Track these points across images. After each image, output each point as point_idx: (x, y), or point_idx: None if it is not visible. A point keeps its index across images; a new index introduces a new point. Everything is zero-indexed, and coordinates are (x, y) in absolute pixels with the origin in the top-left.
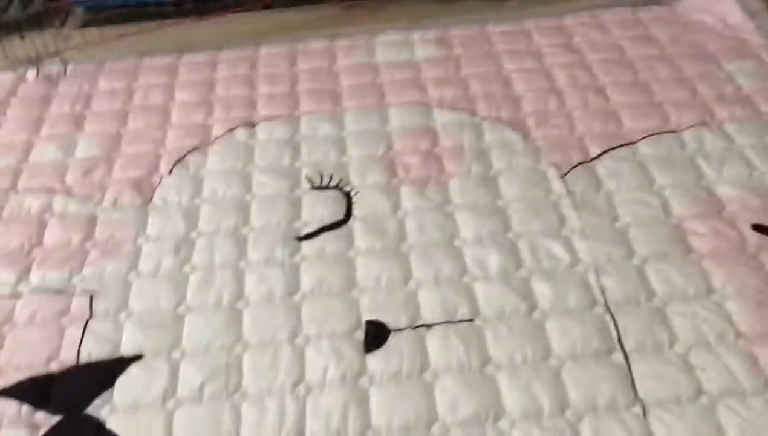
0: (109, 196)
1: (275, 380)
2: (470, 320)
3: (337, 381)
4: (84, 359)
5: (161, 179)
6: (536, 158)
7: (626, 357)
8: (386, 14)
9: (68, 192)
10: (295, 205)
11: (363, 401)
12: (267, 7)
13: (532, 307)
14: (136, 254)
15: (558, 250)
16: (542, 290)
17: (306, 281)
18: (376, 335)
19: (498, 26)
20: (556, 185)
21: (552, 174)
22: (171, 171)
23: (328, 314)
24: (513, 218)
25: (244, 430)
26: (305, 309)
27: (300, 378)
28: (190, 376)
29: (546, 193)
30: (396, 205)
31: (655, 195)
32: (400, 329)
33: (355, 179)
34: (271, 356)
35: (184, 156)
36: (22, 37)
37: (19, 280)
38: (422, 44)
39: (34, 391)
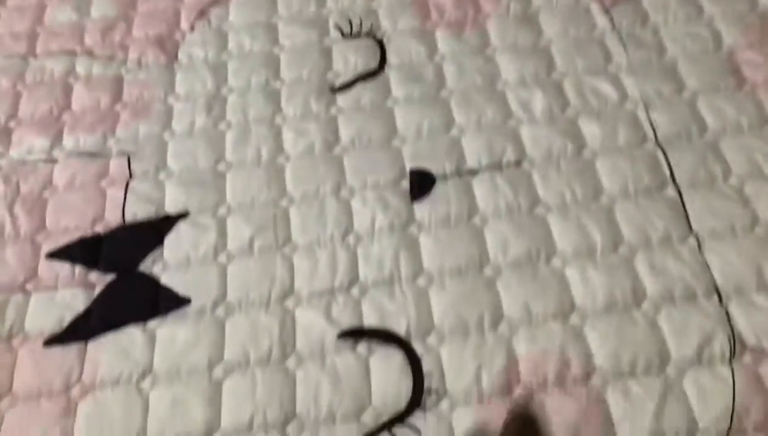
0: (132, 56)
1: (324, 231)
2: (517, 163)
3: (386, 229)
4: (129, 218)
5: (184, 35)
6: None
7: (679, 192)
8: None
9: (90, 53)
10: (326, 56)
11: (413, 247)
12: None
13: (581, 146)
14: (168, 113)
15: (605, 87)
16: (590, 129)
17: (345, 133)
18: (421, 183)
19: None
20: (600, 21)
21: (595, 9)
22: (193, 27)
23: (370, 164)
24: (556, 57)
25: (298, 279)
26: (347, 161)
27: (348, 229)
28: (238, 230)
29: (590, 29)
30: (432, 51)
31: (705, 26)
32: (445, 176)
33: (386, 25)
34: (317, 209)
35: (206, 9)
36: None
37: (52, 145)
38: None
39: (84, 251)
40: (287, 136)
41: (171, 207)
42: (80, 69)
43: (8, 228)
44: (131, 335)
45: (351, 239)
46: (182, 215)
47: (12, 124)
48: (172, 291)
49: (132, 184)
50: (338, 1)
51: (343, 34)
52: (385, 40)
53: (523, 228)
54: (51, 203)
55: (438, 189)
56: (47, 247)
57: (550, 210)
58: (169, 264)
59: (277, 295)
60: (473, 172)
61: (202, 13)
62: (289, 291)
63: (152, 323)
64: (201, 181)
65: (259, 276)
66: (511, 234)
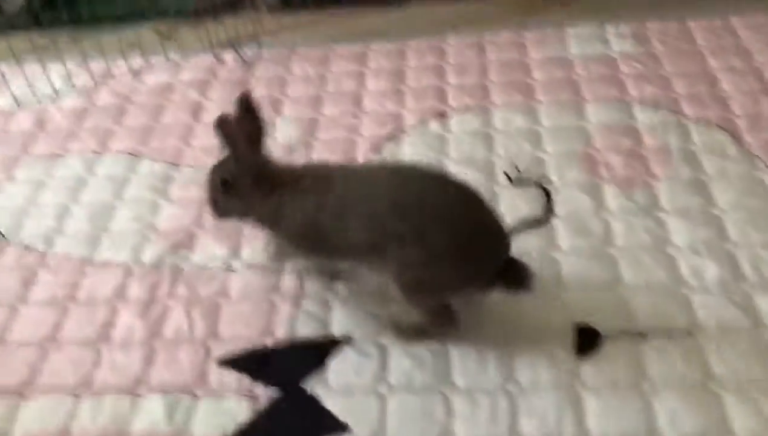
0: None
1: (485, 376)
2: (689, 332)
3: (550, 383)
4: (296, 335)
5: None
6: (751, 164)
7: None
8: (576, 6)
9: None
10: (493, 200)
11: (577, 405)
12: None
13: (757, 323)
14: None
15: None
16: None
17: None
18: (588, 340)
19: (699, 21)
20: None
21: None
22: (367, 159)
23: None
24: (729, 227)
25: (457, 423)
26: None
27: (510, 377)
28: (399, 362)
29: (765, 201)
30: (600, 205)
31: None
32: (613, 335)
33: (553, 175)
34: (478, 353)
35: (379, 144)
36: (218, 21)
37: (231, 255)
38: (618, 38)
39: (252, 363)
40: None
41: (336, 329)
42: None
43: (185, 330)
44: None
45: (512, 387)
46: (347, 339)
47: (198, 230)
48: (332, 415)
49: (301, 303)
50: (507, 147)
51: (510, 180)
52: (552, 190)
53: (696, 403)
54: (224, 311)
55: (606, 348)
56: (217, 352)
57: (725, 387)
58: (332, 387)
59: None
60: (642, 336)
61: (377, 147)
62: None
63: None
64: (365, 308)
65: (417, 414)
66: (682, 408)
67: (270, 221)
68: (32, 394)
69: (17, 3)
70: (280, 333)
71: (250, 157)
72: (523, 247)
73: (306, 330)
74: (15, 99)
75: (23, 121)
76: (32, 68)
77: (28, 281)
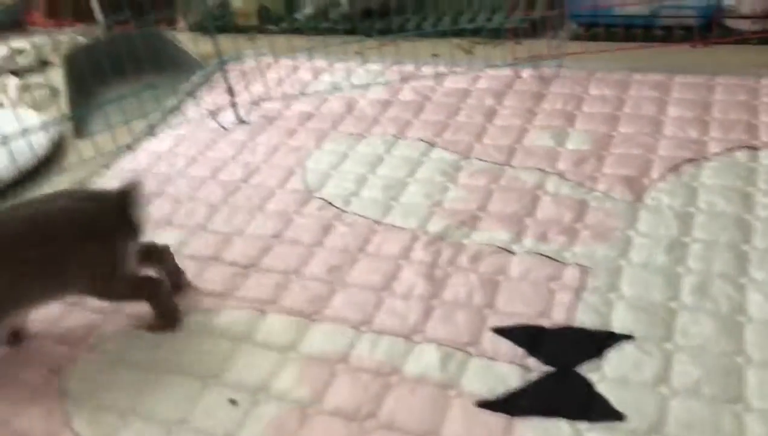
0: (600, 187)
1: None
2: None
3: None
4: (574, 323)
5: (653, 182)
6: None
7: None
8: None
9: (561, 175)
10: None
11: None
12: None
13: None
14: (627, 242)
15: None
16: None
17: None
18: None
19: None
20: None
21: None
22: (664, 176)
23: None
24: None
25: None
26: None
27: None
28: (685, 369)
29: None
30: None
31: None
32: None
33: None
34: None
35: (678, 165)
36: (518, 42)
37: (512, 240)
38: None
39: (527, 338)
40: (752, 298)
41: (617, 326)
42: (550, 186)
43: (463, 296)
44: (559, 428)
45: None
46: (626, 337)
47: (481, 214)
48: (607, 402)
49: (583, 295)
50: None
51: None
52: None
53: None
54: (503, 287)
55: None
56: (492, 322)
57: None
58: (607, 376)
59: None
60: None
61: (675, 168)
62: None
63: (581, 425)
64: (651, 312)
65: (704, 422)
66: None
67: None
68: (320, 320)
69: (308, 13)
70: (558, 318)
71: None
72: None
73: (585, 320)
74: (333, 86)
75: (336, 105)
76: (348, 65)
77: (326, 229)
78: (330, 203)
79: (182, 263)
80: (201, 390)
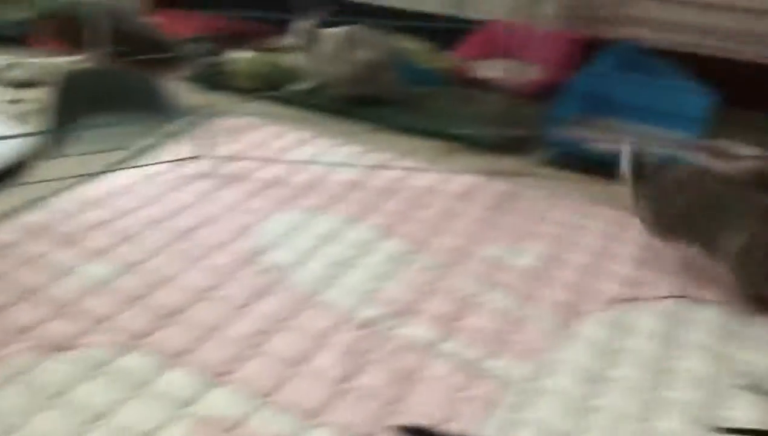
0: (539, 306)
1: None
2: None
3: None
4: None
5: (589, 312)
6: None
7: None
8: None
9: (504, 287)
10: None
11: None
12: None
13: None
14: (550, 367)
15: None
16: None
17: None
18: None
19: None
20: None
21: None
22: (601, 308)
23: None
24: None
25: None
26: None
27: None
28: None
29: None
30: None
31: None
32: None
33: None
34: None
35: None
36: (495, 154)
37: (439, 340)
38: None
39: None
40: None
41: None
42: (490, 296)
43: (375, 387)
44: None
45: None
46: None
47: (416, 309)
48: None
49: (495, 410)
50: None
51: None
52: None
53: None
54: (418, 385)
55: None
56: (396, 419)
57: None
58: None
59: None
60: None
61: (612, 302)
62: None
63: None
64: None
65: None
66: None
67: None
68: (227, 382)
69: (304, 87)
70: (465, 427)
71: None
72: None
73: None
74: (310, 158)
75: (306, 177)
76: (330, 142)
77: (260, 294)
78: (271, 269)
79: (102, 296)
80: (80, 427)
